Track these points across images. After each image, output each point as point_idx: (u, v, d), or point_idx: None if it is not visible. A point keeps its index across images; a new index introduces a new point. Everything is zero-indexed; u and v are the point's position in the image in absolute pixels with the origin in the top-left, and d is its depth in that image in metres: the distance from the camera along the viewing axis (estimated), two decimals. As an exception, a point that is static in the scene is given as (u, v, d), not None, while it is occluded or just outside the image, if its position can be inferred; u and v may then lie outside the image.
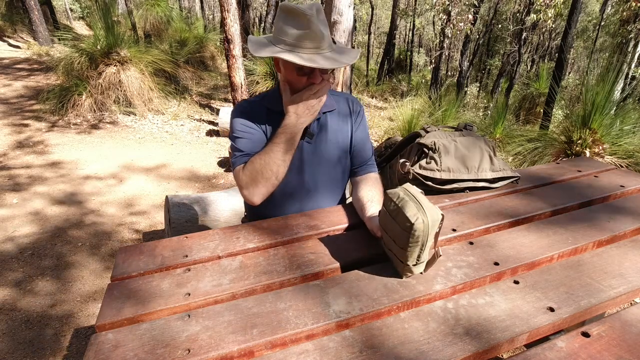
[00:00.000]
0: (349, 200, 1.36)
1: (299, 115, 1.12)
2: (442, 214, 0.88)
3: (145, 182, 3.65)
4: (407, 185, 0.94)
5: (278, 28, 1.11)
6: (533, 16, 8.18)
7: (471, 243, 1.07)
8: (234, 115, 1.24)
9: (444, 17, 8.26)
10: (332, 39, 1.16)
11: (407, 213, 0.85)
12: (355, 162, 1.35)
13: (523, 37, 11.05)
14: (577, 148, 3.15)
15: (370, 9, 16.65)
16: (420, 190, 0.92)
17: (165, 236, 2.59)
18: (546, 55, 16.26)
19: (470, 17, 8.22)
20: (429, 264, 0.93)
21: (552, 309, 0.83)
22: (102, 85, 5.21)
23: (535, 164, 3.42)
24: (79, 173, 3.71)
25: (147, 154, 4.33)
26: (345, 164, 1.34)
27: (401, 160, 1.41)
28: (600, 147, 3.08)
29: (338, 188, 1.37)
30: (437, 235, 0.90)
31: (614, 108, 3.27)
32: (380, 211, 0.99)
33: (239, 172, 1.19)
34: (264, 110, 1.24)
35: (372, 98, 9.73)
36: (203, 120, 5.73)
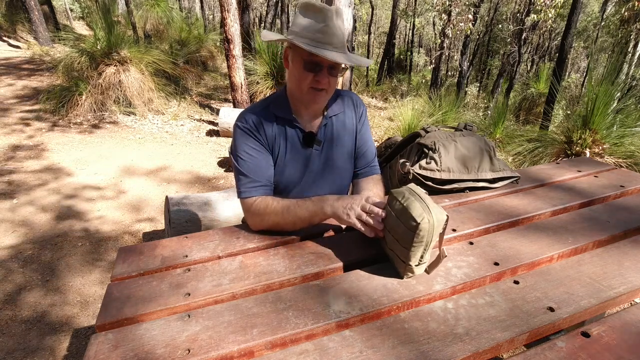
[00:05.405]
0: None
1: (335, 209, 1.06)
2: (447, 215, 0.87)
3: (145, 182, 3.65)
4: (412, 185, 0.93)
5: (294, 22, 1.10)
6: (533, 16, 8.19)
7: (471, 243, 1.06)
8: (238, 130, 1.16)
9: (444, 17, 8.28)
10: (348, 47, 1.16)
11: (412, 212, 0.85)
12: (358, 164, 1.33)
13: (523, 37, 11.05)
14: (577, 148, 3.15)
15: (370, 9, 16.67)
16: (425, 191, 0.92)
17: (165, 236, 2.59)
18: (546, 55, 16.27)
19: (471, 17, 8.22)
20: (434, 264, 0.92)
21: (552, 309, 0.83)
22: (102, 85, 5.21)
23: (535, 164, 3.42)
24: (80, 173, 3.71)
25: (147, 154, 4.33)
26: (350, 166, 1.33)
27: (401, 161, 1.41)
28: (600, 147, 3.08)
29: (343, 192, 1.36)
30: (441, 235, 0.90)
31: (615, 108, 3.27)
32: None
33: (250, 205, 1.13)
34: (271, 119, 1.18)
35: (372, 98, 9.73)
36: (203, 120, 5.74)
